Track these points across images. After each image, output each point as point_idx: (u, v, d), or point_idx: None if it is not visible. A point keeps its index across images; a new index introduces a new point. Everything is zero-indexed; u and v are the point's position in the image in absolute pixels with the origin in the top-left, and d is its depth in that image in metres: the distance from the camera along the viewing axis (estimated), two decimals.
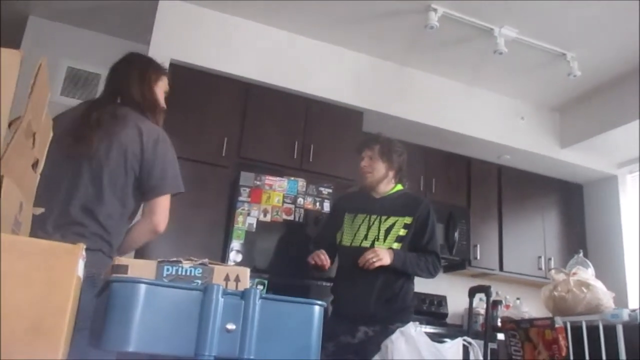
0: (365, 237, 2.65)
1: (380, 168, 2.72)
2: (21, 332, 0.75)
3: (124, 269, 1.08)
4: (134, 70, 1.95)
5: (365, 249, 2.57)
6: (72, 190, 1.71)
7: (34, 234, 1.06)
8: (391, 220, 2.66)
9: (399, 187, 2.80)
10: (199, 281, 1.08)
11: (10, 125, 0.88)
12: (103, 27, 4.07)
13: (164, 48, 3.60)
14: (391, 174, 2.75)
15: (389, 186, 2.78)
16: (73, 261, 0.80)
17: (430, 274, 2.68)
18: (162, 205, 1.83)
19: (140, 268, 1.07)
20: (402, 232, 2.65)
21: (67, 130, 1.73)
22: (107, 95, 1.92)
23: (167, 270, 1.07)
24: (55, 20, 4.01)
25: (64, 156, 1.71)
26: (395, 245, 2.62)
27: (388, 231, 2.64)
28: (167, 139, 1.92)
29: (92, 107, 1.86)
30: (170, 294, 0.98)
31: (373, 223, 2.67)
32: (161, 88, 2.04)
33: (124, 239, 1.82)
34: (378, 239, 2.63)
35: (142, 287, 0.96)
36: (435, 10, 3.52)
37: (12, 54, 0.87)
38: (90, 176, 1.73)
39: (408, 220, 2.67)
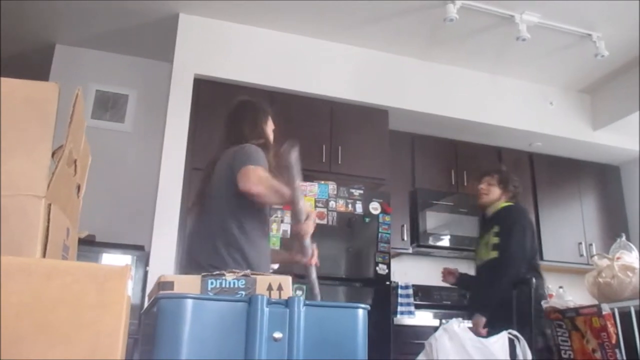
0: (478, 253, 3.12)
1: (495, 193, 3.12)
2: (86, 353, 0.77)
3: (169, 285, 1.11)
4: (246, 116, 2.23)
5: (477, 264, 3.12)
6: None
7: None
8: (489, 233, 3.03)
9: (506, 203, 3.12)
10: (243, 292, 1.10)
11: (53, 154, 0.92)
12: (127, 48, 4.16)
13: (187, 64, 3.66)
14: (503, 198, 3.12)
15: (496, 206, 3.13)
16: (123, 282, 0.82)
17: (491, 286, 2.86)
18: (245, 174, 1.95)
19: (185, 283, 1.10)
20: (494, 240, 2.96)
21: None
22: (226, 142, 2.20)
23: (212, 283, 1.09)
24: (80, 46, 4.12)
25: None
26: (494, 254, 2.93)
27: (488, 244, 3.00)
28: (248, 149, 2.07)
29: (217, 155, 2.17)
30: (216, 306, 1.01)
31: (482, 243, 3.11)
32: (270, 127, 2.28)
33: None
34: (483, 253, 3.02)
35: (189, 302, 0.98)
36: (453, 2, 3.50)
37: (50, 87, 0.90)
38: None
39: (496, 229, 2.99)
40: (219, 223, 1.98)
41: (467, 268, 4.65)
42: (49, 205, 0.87)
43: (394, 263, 3.73)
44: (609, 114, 4.55)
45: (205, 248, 1.97)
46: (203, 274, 1.10)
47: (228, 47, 3.82)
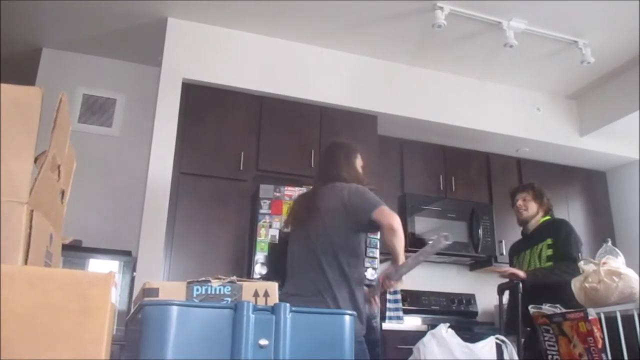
0: (528, 265, 3.25)
1: (533, 207, 3.33)
2: None
3: (154, 291, 1.10)
4: (339, 157, 2.47)
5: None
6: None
7: None
8: (539, 246, 3.21)
9: (546, 218, 3.34)
10: (229, 299, 1.09)
11: (36, 160, 0.90)
12: (115, 52, 4.14)
13: (176, 68, 3.65)
14: (541, 212, 3.34)
15: (537, 220, 3.34)
16: (107, 289, 0.81)
17: (561, 277, 2.98)
18: (384, 213, 2.28)
19: (170, 290, 1.09)
20: (549, 252, 3.16)
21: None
22: (323, 180, 2.43)
23: (197, 290, 1.08)
24: (67, 50, 4.09)
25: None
26: (548, 264, 3.12)
27: (540, 255, 3.19)
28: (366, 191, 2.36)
29: (315, 191, 2.43)
30: (201, 313, 1.00)
31: (532, 255, 3.26)
32: (359, 164, 2.51)
33: None
34: (536, 264, 3.19)
35: (174, 309, 0.97)
36: (441, 8, 3.52)
37: (34, 91, 0.89)
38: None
39: (550, 241, 3.18)
40: (330, 255, 2.23)
41: (456, 273, 4.69)
42: (32, 211, 0.85)
43: (382, 268, 3.73)
44: (595, 120, 4.60)
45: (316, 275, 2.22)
46: (188, 280, 1.09)
47: (217, 51, 3.81)
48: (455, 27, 3.68)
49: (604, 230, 4.69)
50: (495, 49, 3.94)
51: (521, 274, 3.05)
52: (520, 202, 3.38)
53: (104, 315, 0.80)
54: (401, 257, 2.24)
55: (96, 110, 4.09)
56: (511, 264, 3.45)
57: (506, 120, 4.46)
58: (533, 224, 3.34)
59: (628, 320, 2.16)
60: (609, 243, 2.77)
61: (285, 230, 2.66)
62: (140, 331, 1.01)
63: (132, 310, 1.55)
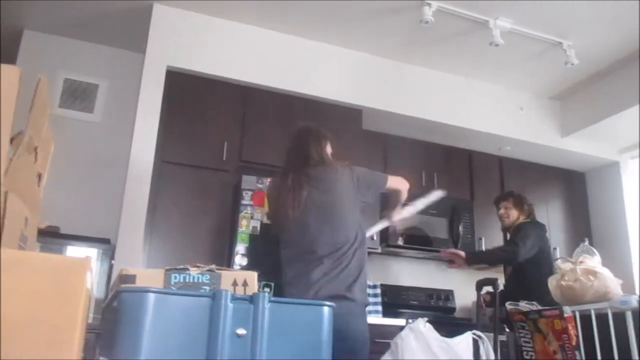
0: (504, 271, 3.61)
1: (514, 214, 3.60)
2: (40, 347, 0.75)
3: (131, 278, 1.09)
4: (310, 141, 2.52)
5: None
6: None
7: None
8: None
9: (524, 221, 3.57)
10: (207, 287, 1.08)
11: (12, 140, 0.88)
12: (98, 37, 4.07)
13: (160, 55, 3.60)
14: (522, 218, 3.58)
15: (517, 223, 3.58)
16: (82, 275, 0.80)
17: (497, 255, 3.58)
18: (395, 180, 2.68)
19: (148, 277, 1.07)
20: None
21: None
22: (298, 161, 2.47)
23: (175, 278, 1.07)
24: (50, 33, 4.01)
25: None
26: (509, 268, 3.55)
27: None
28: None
29: (291, 172, 2.44)
30: (179, 301, 0.99)
31: None
32: (330, 149, 2.59)
33: None
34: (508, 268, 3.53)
35: (151, 296, 0.96)
36: (429, 4, 3.52)
37: (11, 70, 0.87)
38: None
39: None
40: (347, 230, 2.35)
41: (435, 269, 4.72)
42: (6, 192, 0.83)
43: None
44: (577, 121, 4.65)
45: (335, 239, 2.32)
46: (167, 268, 1.08)
47: (202, 40, 3.77)
48: (443, 24, 3.68)
49: (582, 230, 4.76)
50: (481, 48, 3.96)
51: (461, 253, 3.34)
52: (502, 211, 3.65)
53: (79, 301, 0.78)
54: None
55: (78, 95, 4.03)
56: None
57: (490, 118, 4.49)
58: (512, 229, 3.59)
59: (602, 318, 2.20)
60: (586, 243, 2.81)
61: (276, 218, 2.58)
62: (116, 319, 0.99)
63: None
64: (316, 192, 2.35)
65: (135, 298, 0.95)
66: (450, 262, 3.56)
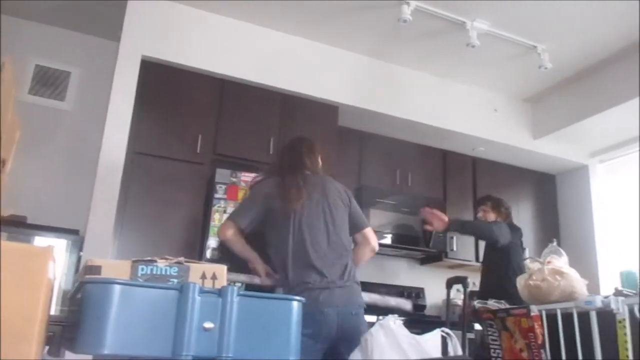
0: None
1: (491, 217, 3.70)
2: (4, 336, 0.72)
3: (97, 269, 1.06)
4: (314, 151, 2.57)
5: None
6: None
7: None
8: None
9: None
10: (175, 280, 1.06)
11: None
12: (72, 24, 3.98)
13: (135, 45, 3.54)
14: (499, 220, 3.67)
15: None
16: (44, 264, 0.77)
17: (485, 226, 3.57)
18: (372, 233, 2.55)
19: (114, 268, 1.05)
20: None
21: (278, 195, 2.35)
22: (292, 167, 2.48)
23: (142, 269, 1.05)
24: (22, 18, 3.91)
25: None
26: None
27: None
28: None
29: (293, 175, 2.43)
30: (145, 294, 0.97)
31: None
32: (320, 162, 2.61)
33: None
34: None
35: (116, 288, 0.94)
36: (408, 3, 3.54)
37: None
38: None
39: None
40: (345, 241, 2.40)
41: (407, 267, 4.76)
42: None
43: None
44: (548, 124, 4.74)
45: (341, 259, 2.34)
46: (133, 259, 1.06)
47: (179, 30, 3.72)
48: (421, 23, 3.70)
49: (550, 231, 4.85)
50: (457, 48, 3.99)
51: (443, 217, 3.34)
52: (481, 214, 3.76)
53: (39, 290, 0.76)
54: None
55: (48, 82, 3.93)
56: None
57: (464, 119, 4.54)
58: None
59: (567, 317, 2.24)
60: (554, 243, 2.86)
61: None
62: (80, 311, 0.97)
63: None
64: (315, 194, 2.37)
65: (99, 289, 0.93)
66: (428, 223, 3.44)
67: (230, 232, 2.35)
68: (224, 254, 3.22)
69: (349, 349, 2.10)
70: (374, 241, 2.52)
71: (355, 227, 2.48)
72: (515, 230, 3.63)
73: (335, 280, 2.26)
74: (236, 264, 3.18)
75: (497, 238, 3.39)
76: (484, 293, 3.26)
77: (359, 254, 2.52)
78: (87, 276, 1.03)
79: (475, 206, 3.92)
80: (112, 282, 0.94)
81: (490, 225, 3.55)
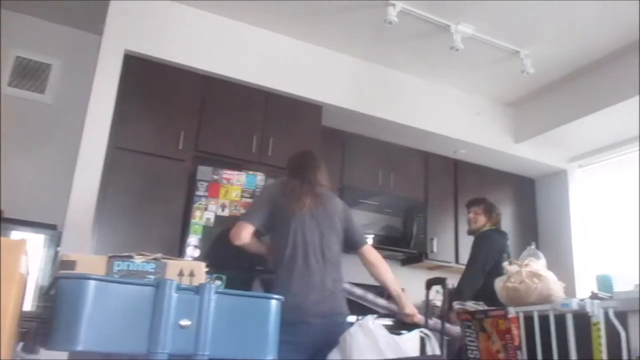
0: None
1: (482, 220, 3.70)
2: None
3: (71, 264, 1.04)
4: (317, 165, 2.66)
5: None
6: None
7: None
8: (469, 255, 3.61)
9: (486, 229, 3.68)
10: (152, 276, 1.05)
11: None
12: (54, 15, 3.92)
13: (118, 39, 3.50)
14: (488, 225, 3.69)
15: (481, 229, 3.69)
16: (16, 257, 0.76)
17: (458, 287, 3.58)
18: (370, 250, 2.71)
19: (89, 263, 1.04)
20: None
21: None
22: (306, 178, 2.58)
23: (118, 265, 1.04)
24: (2, 8, 3.83)
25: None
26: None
27: None
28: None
29: (303, 185, 2.54)
30: (121, 290, 0.96)
31: None
32: (328, 175, 2.71)
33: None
34: None
35: (91, 284, 0.92)
36: (393, 5, 3.55)
37: None
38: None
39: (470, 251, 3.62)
40: (334, 254, 2.50)
41: (390, 267, 4.77)
42: None
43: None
44: (529, 129, 4.79)
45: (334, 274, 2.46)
46: (110, 255, 1.04)
47: (163, 25, 3.68)
48: (406, 25, 3.72)
49: (529, 234, 4.91)
50: (442, 51, 4.02)
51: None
52: (471, 215, 3.77)
53: (11, 285, 0.75)
54: (398, 287, 2.75)
55: (29, 74, 3.87)
56: None
57: (447, 121, 4.57)
58: (476, 234, 3.71)
59: (544, 319, 2.27)
60: (533, 246, 2.90)
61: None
62: (54, 306, 0.95)
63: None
64: (316, 204, 2.48)
65: (73, 285, 0.92)
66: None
67: (244, 234, 2.45)
68: (205, 251, 3.21)
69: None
70: (376, 255, 2.69)
71: (353, 246, 2.64)
72: (502, 236, 3.68)
73: (322, 291, 2.32)
74: (217, 263, 3.18)
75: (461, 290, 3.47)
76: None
77: (371, 272, 2.72)
78: (62, 271, 1.01)
79: (468, 206, 3.87)
80: (86, 277, 0.92)
81: (462, 279, 3.57)
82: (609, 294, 2.35)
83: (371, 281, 4.68)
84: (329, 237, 2.47)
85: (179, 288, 0.99)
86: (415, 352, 2.36)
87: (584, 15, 3.60)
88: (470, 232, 3.82)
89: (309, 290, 2.30)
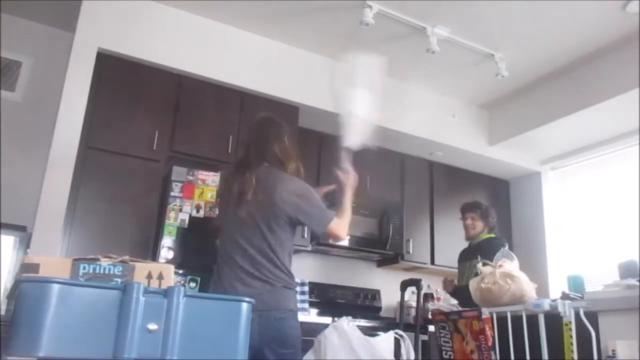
0: (468, 278, 3.33)
1: (479, 226, 3.73)
2: None
3: (35, 267, 1.01)
4: (278, 134, 2.38)
5: (461, 284, 3.61)
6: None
7: None
8: (473, 262, 3.43)
9: (487, 235, 3.72)
10: (119, 280, 1.03)
11: None
12: (25, 11, 3.83)
13: (91, 36, 3.43)
14: (486, 230, 3.73)
15: (481, 236, 3.73)
16: None
17: None
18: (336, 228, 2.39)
19: (53, 266, 1.01)
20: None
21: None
22: (258, 160, 2.31)
23: (84, 268, 1.01)
24: None
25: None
26: None
27: (472, 271, 3.38)
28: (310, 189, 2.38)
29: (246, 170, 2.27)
30: (86, 293, 0.93)
31: (469, 269, 3.57)
32: (288, 143, 2.41)
33: None
34: (470, 276, 3.32)
35: (55, 287, 0.89)
36: (370, 7, 3.55)
37: None
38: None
39: (480, 259, 3.31)
40: (274, 246, 2.20)
41: (364, 267, 4.79)
42: None
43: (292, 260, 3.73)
44: (503, 131, 4.85)
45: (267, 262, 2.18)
46: (75, 257, 1.01)
47: (137, 23, 3.62)
48: (382, 27, 3.73)
49: (503, 235, 4.94)
50: (418, 53, 4.04)
51: (449, 287, 3.60)
52: (469, 221, 3.78)
53: None
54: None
55: None
56: (459, 269, 3.89)
57: (423, 123, 4.59)
58: (476, 240, 3.74)
59: (517, 320, 2.29)
60: (506, 247, 2.93)
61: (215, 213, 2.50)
62: (16, 310, 0.92)
63: None
64: (257, 191, 2.20)
65: (36, 288, 0.89)
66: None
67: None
68: (179, 253, 3.16)
69: (274, 353, 2.02)
70: (342, 234, 2.40)
71: (315, 229, 2.34)
72: (502, 244, 3.62)
73: (257, 286, 2.10)
74: (192, 265, 3.14)
75: None
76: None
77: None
78: (24, 274, 0.98)
79: (464, 211, 3.85)
80: (49, 280, 0.89)
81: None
82: (580, 295, 2.39)
83: (334, 281, 4.69)
84: (267, 229, 2.18)
85: (147, 291, 0.97)
86: (390, 354, 2.37)
87: (557, 20, 3.66)
88: (468, 238, 3.83)
89: (239, 285, 2.11)
